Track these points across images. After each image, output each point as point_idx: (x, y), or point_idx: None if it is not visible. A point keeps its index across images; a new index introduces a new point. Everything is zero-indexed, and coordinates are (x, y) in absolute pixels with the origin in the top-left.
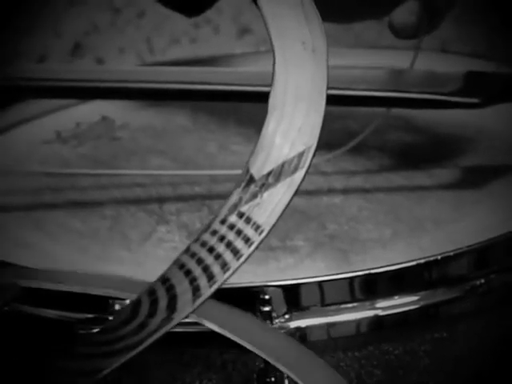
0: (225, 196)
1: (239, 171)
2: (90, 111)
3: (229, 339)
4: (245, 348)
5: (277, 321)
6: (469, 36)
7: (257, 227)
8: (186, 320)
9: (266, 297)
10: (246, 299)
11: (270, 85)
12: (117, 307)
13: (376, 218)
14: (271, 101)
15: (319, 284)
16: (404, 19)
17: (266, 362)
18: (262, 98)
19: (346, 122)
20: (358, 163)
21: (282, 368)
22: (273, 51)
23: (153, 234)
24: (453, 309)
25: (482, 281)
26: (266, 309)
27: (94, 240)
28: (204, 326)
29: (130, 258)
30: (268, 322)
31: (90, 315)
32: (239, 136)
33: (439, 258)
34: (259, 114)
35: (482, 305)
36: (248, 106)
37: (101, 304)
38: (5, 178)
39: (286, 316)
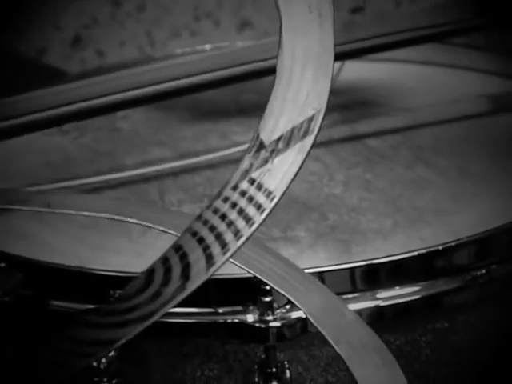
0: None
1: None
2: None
3: (230, 330)
4: (246, 339)
5: (278, 311)
6: None
7: (268, 193)
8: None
9: (267, 287)
10: (248, 289)
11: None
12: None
13: (377, 209)
14: (279, 66)
15: (320, 274)
16: None
17: (267, 353)
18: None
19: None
20: (358, 153)
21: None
22: (279, 17)
23: None
24: (454, 299)
25: (483, 271)
26: (267, 299)
27: (94, 230)
28: (205, 316)
29: (130, 248)
30: (268, 312)
31: (91, 306)
32: (240, 125)
33: (440, 248)
34: (260, 103)
35: (483, 295)
36: (249, 96)
37: (102, 294)
38: (5, 169)
39: (287, 306)
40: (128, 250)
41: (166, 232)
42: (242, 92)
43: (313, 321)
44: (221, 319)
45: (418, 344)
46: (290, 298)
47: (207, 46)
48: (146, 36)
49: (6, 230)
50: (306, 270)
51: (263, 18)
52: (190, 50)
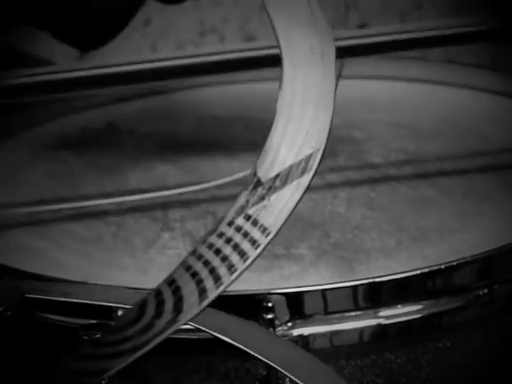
0: (230, 203)
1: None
2: (96, 117)
3: (232, 346)
4: (248, 355)
5: (280, 328)
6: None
7: (264, 229)
8: (190, 326)
9: (270, 304)
10: (250, 306)
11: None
12: (119, 313)
13: (380, 227)
14: (279, 104)
15: (322, 292)
16: None
17: (269, 370)
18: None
19: (350, 131)
20: (362, 172)
21: (286, 373)
22: (281, 56)
23: (157, 240)
24: (456, 318)
25: (485, 291)
26: (269, 316)
27: (98, 247)
28: (207, 332)
29: (134, 264)
30: (271, 329)
31: (93, 321)
32: (245, 143)
33: (443, 267)
34: (265, 120)
35: (485, 315)
36: (254, 112)
37: (104, 311)
38: (10, 185)
39: (289, 324)
40: (131, 266)
41: None
42: (247, 111)
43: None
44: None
45: (419, 363)
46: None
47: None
48: (151, 50)
49: (9, 244)
50: (309, 288)
51: (268, 33)
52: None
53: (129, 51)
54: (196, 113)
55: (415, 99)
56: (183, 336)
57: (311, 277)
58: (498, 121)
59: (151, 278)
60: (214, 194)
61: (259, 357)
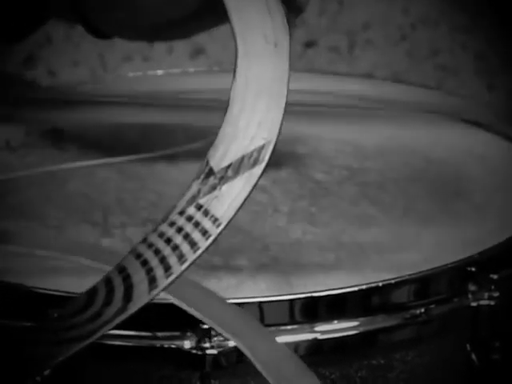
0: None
1: None
2: (40, 122)
3: (166, 354)
4: (182, 365)
5: (215, 339)
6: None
7: (214, 220)
8: (125, 332)
9: None
10: (187, 316)
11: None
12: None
13: (319, 243)
14: (232, 94)
15: (259, 305)
16: None
17: (203, 380)
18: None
19: (294, 145)
20: (304, 186)
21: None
22: (235, 44)
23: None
24: (391, 336)
25: (422, 310)
26: (205, 326)
27: (37, 249)
28: (143, 340)
29: (72, 268)
30: (206, 339)
31: (28, 323)
32: (188, 152)
33: (380, 285)
34: (210, 131)
35: (421, 334)
36: (199, 124)
37: (40, 312)
38: None
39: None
40: (69, 270)
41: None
42: (192, 120)
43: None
44: (158, 344)
45: (353, 379)
46: (223, 332)
47: (159, 72)
48: (99, 58)
49: None
50: (246, 300)
51: (217, 46)
52: (141, 74)
53: (77, 59)
54: (141, 121)
55: (360, 116)
56: (117, 343)
57: (249, 289)
58: (442, 141)
59: (89, 282)
60: (154, 202)
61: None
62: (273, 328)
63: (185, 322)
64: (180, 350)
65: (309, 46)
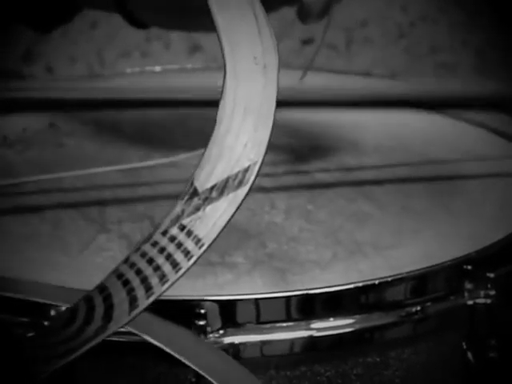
0: (167, 208)
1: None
2: (38, 118)
3: (162, 351)
4: (177, 361)
5: (211, 335)
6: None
7: (197, 241)
8: (122, 329)
9: (202, 311)
10: (182, 312)
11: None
12: (52, 313)
13: (316, 240)
14: (219, 114)
15: (255, 301)
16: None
17: (198, 377)
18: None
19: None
20: (301, 183)
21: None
22: (224, 64)
23: (93, 241)
24: (387, 334)
25: (418, 308)
26: (201, 323)
27: (33, 244)
28: (138, 336)
29: (69, 264)
30: (202, 336)
31: (25, 319)
32: (185, 149)
33: (377, 282)
34: (207, 127)
35: (416, 332)
36: (196, 120)
37: (37, 309)
38: None
39: (221, 331)
40: (66, 266)
41: None
42: (189, 116)
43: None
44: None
45: (348, 377)
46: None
47: (157, 68)
48: (97, 54)
49: None
50: (242, 297)
51: (213, 43)
52: (139, 70)
53: (75, 55)
54: (139, 117)
55: (358, 114)
56: (113, 339)
57: (245, 285)
58: (439, 139)
59: (85, 278)
60: (151, 199)
61: (185, 362)
62: (268, 325)
63: (180, 319)
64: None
65: (306, 43)
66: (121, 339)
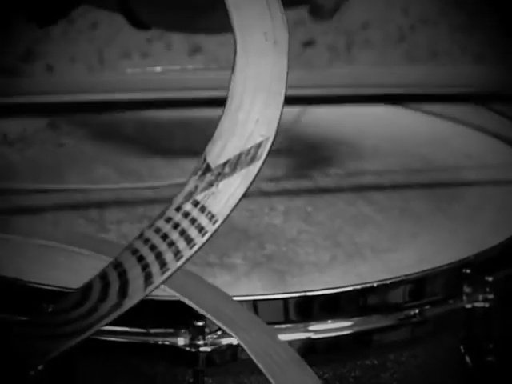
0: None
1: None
2: (38, 116)
3: (160, 351)
4: (175, 362)
5: (209, 336)
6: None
7: (211, 216)
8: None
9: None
10: (181, 312)
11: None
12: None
13: (315, 242)
14: (230, 90)
15: (254, 303)
16: None
17: (196, 378)
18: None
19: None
20: (300, 185)
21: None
22: (234, 41)
23: None
24: (385, 337)
25: (416, 311)
26: (199, 323)
27: (33, 244)
28: (137, 335)
29: (67, 263)
30: (200, 337)
31: (23, 318)
32: (185, 150)
33: (375, 285)
34: (208, 128)
35: (415, 335)
36: (197, 120)
37: (34, 307)
38: None
39: (219, 332)
40: (65, 265)
41: None
42: (189, 116)
43: (246, 348)
44: (151, 340)
45: (346, 379)
46: (221, 325)
47: (158, 68)
48: (97, 54)
49: None
50: (241, 298)
51: (213, 44)
52: (140, 70)
53: (75, 54)
54: (138, 117)
55: (357, 117)
56: (112, 338)
57: (243, 287)
58: (438, 142)
59: (84, 278)
60: (151, 198)
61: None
62: None
63: (179, 320)
64: (174, 347)
65: (307, 45)
66: (119, 339)
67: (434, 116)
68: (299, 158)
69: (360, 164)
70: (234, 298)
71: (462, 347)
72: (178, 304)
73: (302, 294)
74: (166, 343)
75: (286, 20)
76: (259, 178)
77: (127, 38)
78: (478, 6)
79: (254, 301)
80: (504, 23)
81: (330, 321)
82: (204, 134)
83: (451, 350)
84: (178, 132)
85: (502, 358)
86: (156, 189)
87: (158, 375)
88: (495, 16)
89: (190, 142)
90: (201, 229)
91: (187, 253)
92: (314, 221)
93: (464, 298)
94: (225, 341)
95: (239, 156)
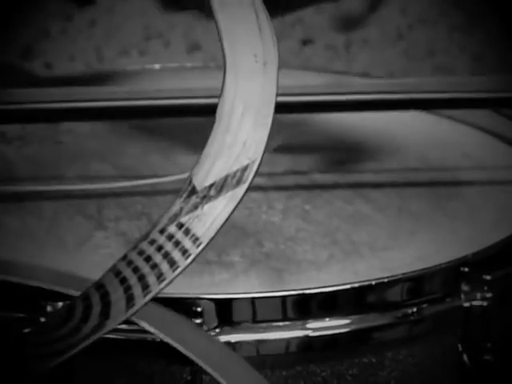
0: (165, 206)
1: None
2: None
3: (157, 349)
4: (173, 359)
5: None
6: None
7: (195, 239)
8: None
9: (198, 309)
10: (179, 310)
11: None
12: (48, 309)
13: (313, 240)
14: (218, 112)
15: (252, 300)
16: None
17: (194, 376)
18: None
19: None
20: (299, 184)
21: (212, 373)
22: (224, 62)
23: (90, 239)
24: (383, 335)
25: (414, 309)
26: (198, 321)
27: (30, 241)
28: (135, 334)
29: (66, 261)
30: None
31: (21, 315)
32: (184, 146)
33: (373, 283)
34: (207, 124)
35: (412, 333)
36: (195, 118)
37: (33, 304)
38: None
39: (217, 330)
40: (63, 263)
41: None
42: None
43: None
44: (149, 338)
45: (343, 377)
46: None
47: (156, 66)
48: (95, 52)
49: None
50: (238, 295)
51: (212, 42)
52: (139, 68)
53: (74, 52)
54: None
55: (356, 116)
56: (109, 336)
57: (241, 284)
58: (437, 141)
59: (82, 275)
60: (149, 195)
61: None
62: (264, 324)
63: None
64: (171, 345)
65: (306, 44)
66: (116, 337)
67: (434, 115)
68: (299, 158)
69: (361, 164)
70: (232, 296)
71: (459, 346)
72: (177, 301)
73: (300, 291)
74: (164, 341)
75: (277, 42)
76: (257, 176)
77: (125, 35)
78: (477, 6)
79: (252, 298)
80: (503, 23)
81: (327, 319)
82: (203, 129)
83: (449, 348)
84: (176, 127)
85: (499, 356)
86: (154, 186)
87: (156, 373)
88: (495, 16)
89: (189, 139)
90: (184, 251)
91: (170, 275)
92: (312, 219)
93: (462, 296)
94: (222, 338)
95: (225, 178)
